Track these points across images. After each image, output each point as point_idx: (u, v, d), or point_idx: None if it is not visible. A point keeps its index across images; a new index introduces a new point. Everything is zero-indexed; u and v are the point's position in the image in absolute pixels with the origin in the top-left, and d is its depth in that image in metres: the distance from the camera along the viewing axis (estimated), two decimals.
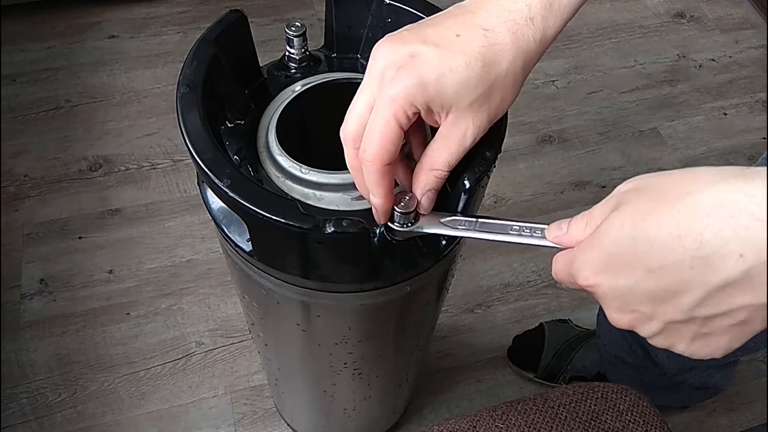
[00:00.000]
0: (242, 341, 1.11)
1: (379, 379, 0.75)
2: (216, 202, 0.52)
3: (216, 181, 0.42)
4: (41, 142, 1.33)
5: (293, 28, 0.54)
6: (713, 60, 1.57)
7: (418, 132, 0.45)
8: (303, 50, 0.56)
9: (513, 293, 1.19)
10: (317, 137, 0.58)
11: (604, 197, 0.35)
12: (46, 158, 1.30)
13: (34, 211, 1.23)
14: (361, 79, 0.55)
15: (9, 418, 1.02)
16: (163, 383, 1.07)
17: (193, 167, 0.45)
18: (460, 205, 0.44)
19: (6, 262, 1.17)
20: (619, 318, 0.35)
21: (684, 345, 0.34)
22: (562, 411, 0.62)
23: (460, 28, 0.38)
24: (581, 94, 1.49)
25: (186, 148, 0.44)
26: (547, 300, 1.18)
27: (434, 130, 0.42)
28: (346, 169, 0.44)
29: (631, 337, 0.93)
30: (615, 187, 0.35)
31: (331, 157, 0.49)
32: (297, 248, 0.45)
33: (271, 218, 0.41)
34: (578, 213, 0.37)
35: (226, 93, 0.50)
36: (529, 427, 0.61)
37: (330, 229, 0.41)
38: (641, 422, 0.62)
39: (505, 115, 0.44)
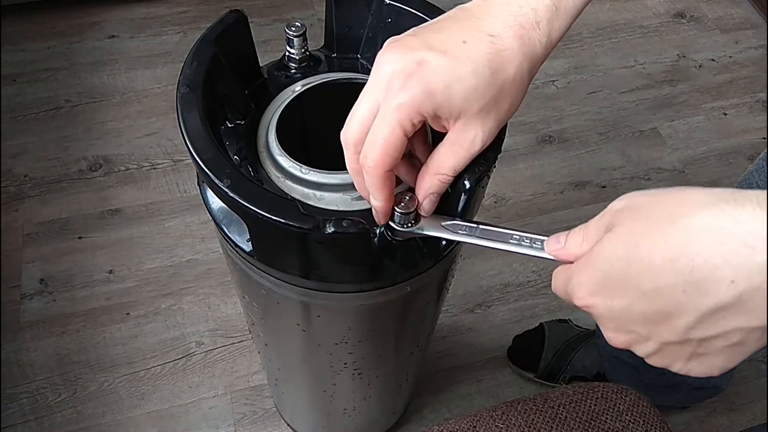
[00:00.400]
0: (242, 341, 1.11)
1: (379, 379, 0.75)
2: (216, 202, 0.52)
3: (216, 181, 0.42)
4: (41, 142, 1.33)
5: (293, 28, 0.54)
6: (713, 60, 1.57)
7: (419, 131, 0.45)
8: (303, 50, 0.56)
9: (513, 293, 1.19)
10: (317, 137, 0.58)
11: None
12: (46, 158, 1.30)
13: (34, 211, 1.23)
14: (362, 79, 0.55)
15: (9, 418, 1.02)
16: (163, 383, 1.07)
17: (193, 167, 0.45)
18: (460, 205, 0.44)
19: (6, 262, 1.17)
20: (615, 338, 0.35)
21: (680, 364, 0.34)
22: (562, 411, 0.62)
23: (466, 34, 0.38)
24: (581, 94, 1.49)
25: (186, 148, 0.44)
26: (547, 300, 1.18)
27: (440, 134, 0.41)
28: (347, 169, 0.44)
29: None
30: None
31: (331, 157, 0.49)
32: (297, 248, 0.45)
33: (271, 218, 0.41)
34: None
35: (226, 93, 0.50)
36: (529, 427, 0.61)
37: (330, 229, 0.41)
38: (641, 422, 0.62)
39: None
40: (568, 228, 0.38)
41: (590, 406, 0.63)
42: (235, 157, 0.50)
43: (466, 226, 0.43)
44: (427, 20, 0.50)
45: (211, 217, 0.52)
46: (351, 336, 0.60)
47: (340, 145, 0.42)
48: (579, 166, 1.36)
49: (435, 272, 0.55)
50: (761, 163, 0.77)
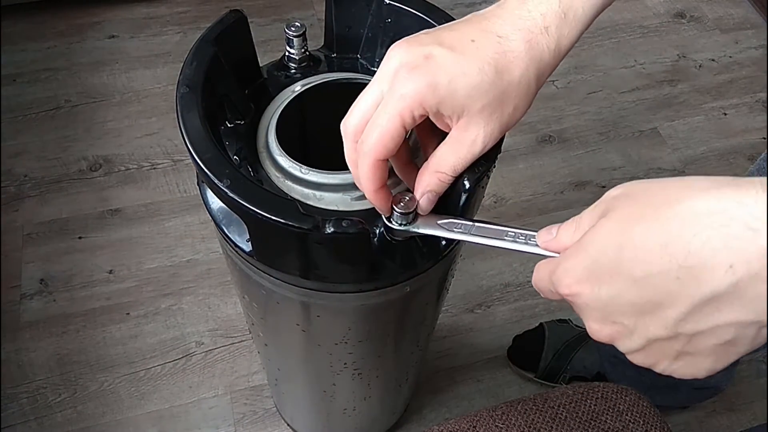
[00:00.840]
0: (242, 341, 1.11)
1: (379, 379, 0.75)
2: (216, 202, 0.52)
3: (216, 181, 0.42)
4: (41, 142, 1.33)
5: (293, 28, 0.54)
6: (713, 60, 1.57)
7: (433, 138, 0.44)
8: (303, 50, 0.56)
9: (513, 293, 1.19)
10: (317, 137, 0.58)
11: None
12: (46, 158, 1.30)
13: (34, 211, 1.23)
14: (362, 79, 0.55)
15: (9, 418, 1.02)
16: (163, 383, 1.07)
17: (193, 167, 0.45)
18: (460, 204, 0.44)
19: (6, 262, 1.17)
20: (599, 330, 0.34)
21: (666, 364, 0.33)
22: (562, 411, 0.62)
23: (475, 33, 0.38)
24: (581, 94, 1.49)
25: (186, 148, 0.44)
26: (547, 300, 1.18)
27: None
28: (346, 169, 0.44)
29: None
30: (615, 187, 0.35)
31: (331, 157, 0.49)
32: (297, 248, 0.45)
33: (270, 218, 0.41)
34: (578, 213, 0.37)
35: (226, 93, 0.50)
36: (529, 427, 0.61)
37: (330, 230, 0.41)
38: (641, 422, 0.62)
39: None
40: None
41: (590, 406, 0.63)
42: (235, 157, 0.50)
43: (462, 224, 0.43)
44: (427, 20, 0.51)
45: (211, 217, 0.52)
46: (351, 336, 0.60)
47: (340, 145, 0.42)
48: (579, 166, 1.36)
49: (435, 272, 0.55)
50: (762, 163, 0.78)
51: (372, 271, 0.48)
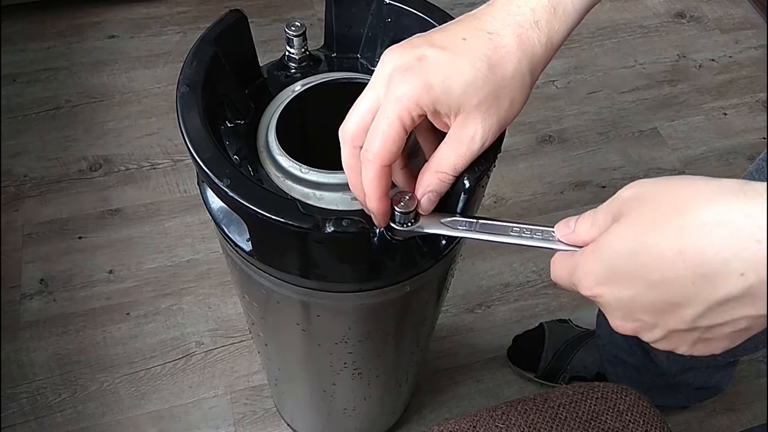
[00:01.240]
0: (242, 341, 1.11)
1: (379, 378, 0.75)
2: (216, 202, 0.52)
3: (216, 180, 0.42)
4: (41, 142, 1.33)
5: (293, 28, 0.54)
6: (713, 60, 1.57)
7: (434, 140, 0.44)
8: (303, 50, 0.56)
9: (513, 293, 1.19)
10: (317, 137, 0.58)
11: (604, 198, 0.35)
12: (46, 158, 1.30)
13: (34, 211, 1.23)
14: (362, 79, 0.55)
15: (9, 418, 1.02)
16: (163, 383, 1.07)
17: (193, 167, 0.45)
18: (460, 204, 0.44)
19: (6, 262, 1.17)
20: (622, 326, 0.36)
21: (685, 348, 0.35)
22: (562, 411, 0.62)
23: (466, 32, 0.39)
24: (581, 94, 1.49)
25: (186, 148, 0.44)
26: (547, 300, 1.18)
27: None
28: (347, 178, 0.44)
29: (631, 337, 0.93)
30: (615, 187, 0.35)
31: (331, 156, 0.49)
32: (297, 248, 0.45)
33: (271, 218, 0.41)
34: (578, 213, 0.37)
35: (226, 93, 0.50)
36: (529, 427, 0.61)
37: (330, 229, 0.41)
38: (641, 422, 0.62)
39: None
40: None
41: (590, 406, 0.63)
42: (235, 156, 0.50)
43: (466, 221, 0.43)
44: (427, 20, 0.51)
45: (211, 217, 0.52)
46: (351, 336, 0.60)
47: (340, 148, 0.42)
48: (579, 166, 1.36)
49: (435, 272, 0.55)
50: (761, 163, 0.77)
51: (372, 270, 0.48)
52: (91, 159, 1.31)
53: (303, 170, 0.48)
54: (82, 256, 1.18)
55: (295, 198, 0.47)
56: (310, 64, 0.57)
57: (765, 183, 0.29)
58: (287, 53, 0.56)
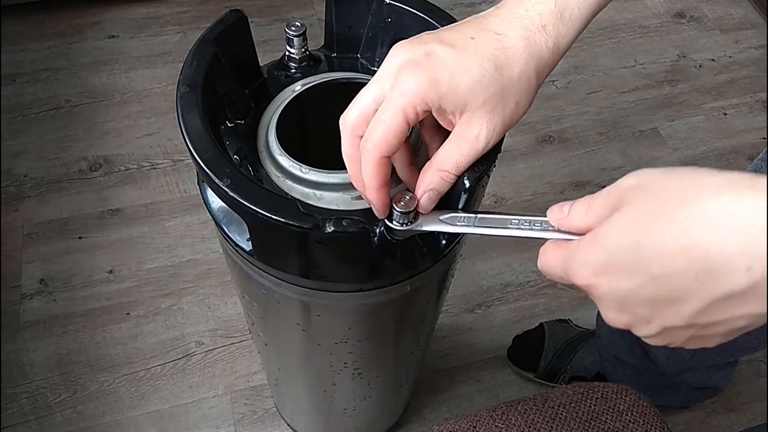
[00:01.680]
0: (242, 341, 1.11)
1: (379, 378, 0.75)
2: (216, 202, 0.52)
3: (216, 180, 0.42)
4: (41, 142, 1.33)
5: (293, 28, 0.54)
6: (713, 60, 1.57)
7: (438, 138, 0.44)
8: (303, 50, 0.56)
9: (513, 293, 1.19)
10: (317, 137, 0.58)
11: None
12: (46, 158, 1.30)
13: (34, 211, 1.23)
14: (362, 79, 0.55)
15: (9, 418, 1.02)
16: (163, 383, 1.07)
17: (193, 167, 0.45)
18: (460, 204, 0.44)
19: (6, 262, 1.17)
20: (615, 318, 0.34)
21: (679, 343, 0.34)
22: (562, 411, 0.62)
23: (474, 32, 0.39)
24: (581, 94, 1.49)
25: (186, 147, 0.44)
26: (547, 300, 1.18)
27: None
28: (346, 167, 0.44)
29: (630, 337, 0.93)
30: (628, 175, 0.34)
31: (331, 156, 0.49)
32: (297, 248, 0.45)
33: (271, 218, 0.41)
34: None
35: (226, 93, 0.50)
36: (529, 427, 0.61)
37: (330, 229, 0.41)
38: (641, 422, 0.62)
39: None
40: None
41: (590, 406, 0.63)
42: (235, 156, 0.50)
43: (465, 217, 0.43)
44: (428, 20, 0.51)
45: (211, 217, 0.52)
46: (351, 336, 0.60)
47: (341, 144, 0.42)
48: (579, 166, 1.36)
49: (435, 272, 0.55)
50: (760, 163, 0.77)
51: (372, 270, 0.48)
52: (91, 159, 1.31)
53: (303, 170, 0.48)
54: (82, 256, 1.18)
55: (295, 198, 0.47)
56: (310, 64, 0.57)
57: None
58: (287, 53, 0.56)
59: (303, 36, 0.55)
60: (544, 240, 0.38)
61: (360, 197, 0.48)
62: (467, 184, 0.42)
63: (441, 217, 0.43)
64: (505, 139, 0.44)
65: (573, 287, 0.36)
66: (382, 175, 0.41)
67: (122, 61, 1.47)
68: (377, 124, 0.39)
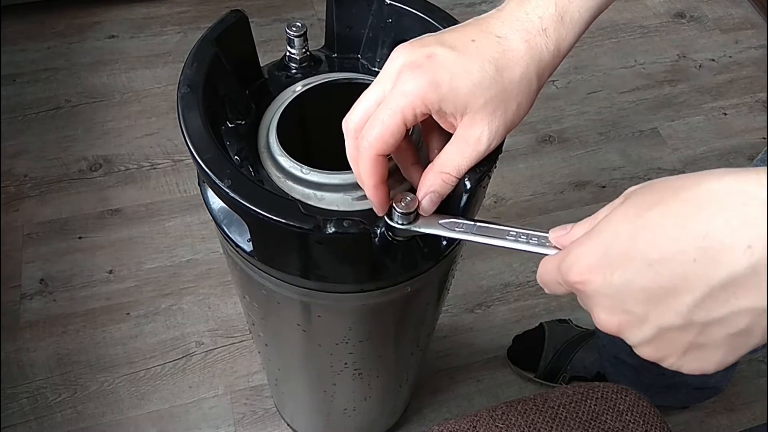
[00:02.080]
0: (242, 341, 1.11)
1: (380, 379, 0.75)
2: (216, 202, 0.52)
3: (217, 181, 0.42)
4: (41, 142, 1.33)
5: (294, 28, 0.54)
6: (713, 60, 1.57)
7: (440, 140, 0.44)
8: (304, 50, 0.56)
9: (513, 293, 1.19)
10: (318, 137, 0.58)
11: (604, 197, 0.35)
12: (46, 158, 1.30)
13: (34, 211, 1.23)
14: (362, 79, 0.55)
15: (9, 418, 1.02)
16: (163, 383, 1.07)
17: (193, 167, 0.45)
18: (461, 205, 0.44)
19: (6, 262, 1.17)
20: (608, 319, 0.33)
21: (675, 357, 0.32)
22: (562, 411, 0.62)
23: (475, 34, 0.40)
24: (581, 94, 1.49)
25: (186, 148, 0.44)
26: (547, 300, 1.18)
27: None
28: (347, 169, 0.44)
29: None
30: (615, 187, 0.35)
31: (332, 157, 0.49)
32: (298, 248, 0.45)
33: (271, 218, 0.41)
34: (578, 213, 0.37)
35: (227, 93, 0.50)
36: (529, 427, 0.61)
37: (331, 230, 0.41)
38: (641, 422, 0.62)
39: None
40: None
41: (590, 406, 0.63)
42: (236, 157, 0.50)
43: (464, 223, 0.43)
44: (428, 20, 0.51)
45: (211, 217, 0.52)
46: (351, 336, 0.60)
47: (341, 145, 0.42)
48: (579, 166, 1.36)
49: (435, 272, 0.55)
50: (759, 163, 0.78)
51: (373, 271, 0.48)
52: (91, 159, 1.31)
53: (304, 171, 0.48)
54: (82, 256, 1.18)
55: (295, 198, 0.47)
56: (310, 64, 0.57)
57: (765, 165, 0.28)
58: (288, 53, 0.56)
59: (304, 36, 0.55)
60: (539, 254, 0.38)
61: (361, 198, 0.48)
62: (468, 185, 0.42)
63: (440, 222, 0.43)
64: (505, 139, 0.44)
65: (569, 292, 0.35)
66: (378, 173, 0.41)
67: (122, 61, 1.47)
68: (374, 122, 0.39)
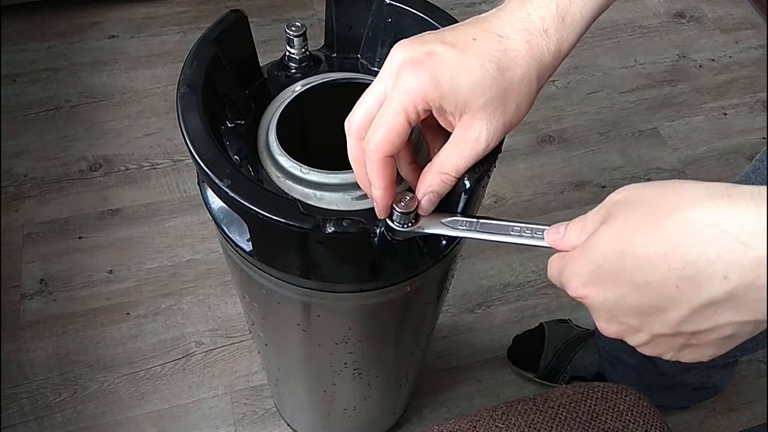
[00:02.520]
0: (242, 341, 1.11)
1: (379, 379, 0.75)
2: (216, 202, 0.52)
3: (216, 181, 0.42)
4: (41, 142, 1.33)
5: (293, 28, 0.54)
6: (713, 60, 1.57)
7: (440, 139, 0.44)
8: (303, 50, 0.56)
9: (513, 293, 1.19)
10: (318, 137, 0.58)
11: (604, 197, 0.35)
12: (46, 158, 1.30)
13: (34, 211, 1.23)
14: (362, 79, 0.55)
15: (9, 418, 1.02)
16: (163, 383, 1.07)
17: (193, 167, 0.46)
18: (461, 204, 0.44)
19: (6, 262, 1.17)
20: (607, 327, 0.36)
21: (671, 354, 0.35)
22: (562, 411, 0.62)
23: (476, 33, 0.39)
24: (581, 94, 1.49)
25: (186, 148, 0.44)
26: (547, 300, 1.18)
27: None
28: (347, 168, 0.44)
29: None
30: (615, 187, 0.35)
31: (331, 157, 0.49)
32: (297, 248, 0.45)
33: (271, 218, 0.41)
34: (578, 213, 0.37)
35: (227, 93, 0.50)
36: (529, 427, 0.61)
37: (330, 229, 0.41)
38: (641, 422, 0.62)
39: None
40: None
41: (590, 406, 0.63)
42: (236, 157, 0.50)
43: (466, 221, 0.43)
44: (428, 20, 0.51)
45: (211, 217, 0.52)
46: (351, 336, 0.60)
47: (341, 144, 0.42)
48: (579, 166, 1.36)
49: (435, 272, 0.55)
50: (757, 164, 0.77)
51: (372, 270, 0.48)
52: (91, 159, 1.31)
53: (303, 170, 0.48)
54: (82, 256, 1.18)
55: (295, 198, 0.47)
56: (310, 64, 0.57)
57: (752, 186, 0.28)
58: (287, 53, 0.56)
59: (303, 36, 0.55)
60: (544, 248, 0.39)
61: (360, 198, 0.48)
62: (468, 185, 0.42)
63: (442, 220, 0.43)
64: (505, 139, 0.44)
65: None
66: (387, 175, 0.41)
67: (122, 61, 1.47)
68: (379, 123, 0.39)
